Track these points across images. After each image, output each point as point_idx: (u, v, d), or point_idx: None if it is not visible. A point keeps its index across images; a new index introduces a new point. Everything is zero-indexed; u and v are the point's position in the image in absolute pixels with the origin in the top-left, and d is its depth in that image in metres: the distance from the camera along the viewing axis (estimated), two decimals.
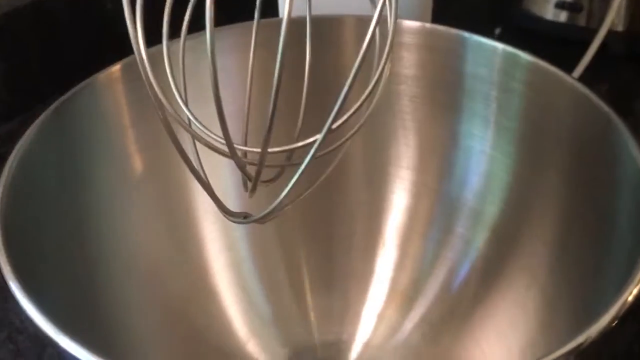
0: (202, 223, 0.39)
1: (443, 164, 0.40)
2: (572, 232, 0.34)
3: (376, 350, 0.39)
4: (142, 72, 0.23)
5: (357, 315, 0.40)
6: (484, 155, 0.38)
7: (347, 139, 0.27)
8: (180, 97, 0.27)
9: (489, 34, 0.37)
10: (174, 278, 0.38)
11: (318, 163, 0.27)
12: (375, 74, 0.26)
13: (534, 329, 0.35)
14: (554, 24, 0.58)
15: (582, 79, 0.45)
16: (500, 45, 0.36)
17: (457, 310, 0.39)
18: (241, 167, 0.25)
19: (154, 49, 0.26)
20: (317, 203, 0.40)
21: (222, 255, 0.39)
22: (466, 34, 0.37)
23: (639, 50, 0.56)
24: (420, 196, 0.41)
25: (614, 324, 0.24)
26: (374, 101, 0.29)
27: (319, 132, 0.24)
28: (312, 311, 0.41)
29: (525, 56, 0.35)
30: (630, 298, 0.25)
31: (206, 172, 0.28)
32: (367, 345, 0.39)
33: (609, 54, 0.53)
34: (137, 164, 0.37)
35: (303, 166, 0.24)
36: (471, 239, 0.39)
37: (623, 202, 0.30)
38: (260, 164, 0.25)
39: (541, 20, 0.58)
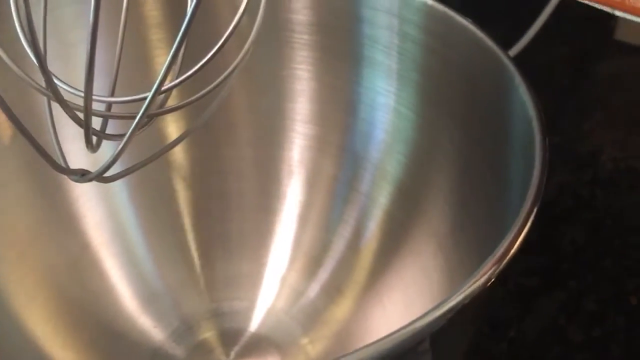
0: (78, 190, 0.36)
1: (347, 117, 0.38)
2: (472, 191, 0.33)
3: (280, 316, 0.37)
4: None
5: (258, 280, 0.38)
6: (389, 109, 0.36)
7: (198, 97, 0.25)
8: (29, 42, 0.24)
9: None
10: (50, 253, 0.35)
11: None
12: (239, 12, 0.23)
13: (437, 298, 0.33)
14: None
15: (539, 40, 0.46)
16: None
17: (363, 271, 0.37)
18: (70, 114, 0.22)
19: None
20: (206, 159, 0.39)
21: (103, 225, 0.37)
22: None
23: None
24: (322, 151, 0.38)
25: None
26: (242, 53, 0.26)
27: None
28: (207, 278, 0.38)
29: None
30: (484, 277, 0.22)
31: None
32: (270, 312, 0.37)
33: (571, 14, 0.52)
34: (5, 132, 0.34)
35: (134, 123, 0.22)
36: (376, 196, 0.37)
37: (515, 164, 0.29)
38: (86, 113, 0.22)
39: None
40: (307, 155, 0.39)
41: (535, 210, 0.24)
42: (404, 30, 0.34)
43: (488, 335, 0.36)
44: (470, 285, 0.21)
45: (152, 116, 0.23)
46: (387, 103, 0.36)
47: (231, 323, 0.37)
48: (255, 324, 0.37)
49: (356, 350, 0.19)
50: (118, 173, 0.24)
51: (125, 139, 0.23)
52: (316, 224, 0.39)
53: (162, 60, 0.37)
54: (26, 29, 0.20)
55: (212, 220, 0.39)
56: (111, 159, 0.23)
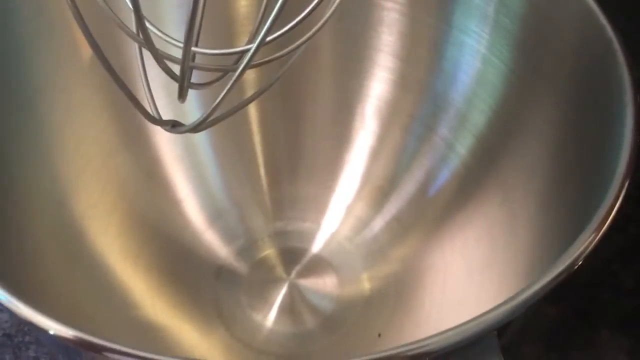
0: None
1: (431, 55, 0.36)
2: (555, 161, 0.31)
3: (342, 242, 0.37)
4: None
5: (324, 205, 0.38)
6: (478, 55, 0.34)
7: (286, 52, 0.24)
8: None
9: None
10: (124, 166, 0.35)
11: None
12: None
13: (496, 251, 0.33)
14: None
15: None
16: None
17: (430, 215, 0.36)
18: (158, 60, 0.22)
19: None
20: (283, 82, 0.38)
21: (175, 140, 0.36)
22: None
23: None
24: (402, 86, 0.37)
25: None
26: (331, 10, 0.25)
27: None
28: (273, 197, 0.38)
29: None
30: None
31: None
32: (333, 236, 0.37)
33: None
34: (85, 50, 0.33)
35: (235, 76, 0.22)
36: (454, 143, 0.36)
37: (612, 150, 0.26)
38: (183, 62, 0.22)
39: None
40: (385, 87, 0.37)
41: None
42: None
43: None
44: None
45: (252, 67, 0.22)
46: (476, 47, 0.34)
47: (294, 242, 0.37)
48: (317, 246, 0.37)
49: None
50: (206, 123, 0.24)
51: (225, 90, 0.22)
52: (387, 158, 0.38)
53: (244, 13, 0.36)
54: None
55: (282, 141, 0.39)
56: (208, 112, 0.23)
